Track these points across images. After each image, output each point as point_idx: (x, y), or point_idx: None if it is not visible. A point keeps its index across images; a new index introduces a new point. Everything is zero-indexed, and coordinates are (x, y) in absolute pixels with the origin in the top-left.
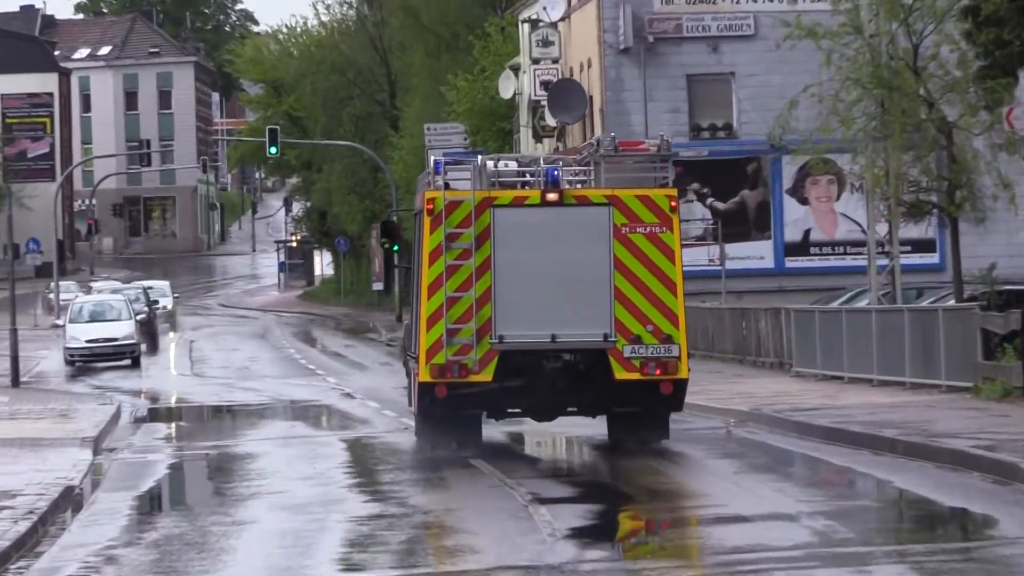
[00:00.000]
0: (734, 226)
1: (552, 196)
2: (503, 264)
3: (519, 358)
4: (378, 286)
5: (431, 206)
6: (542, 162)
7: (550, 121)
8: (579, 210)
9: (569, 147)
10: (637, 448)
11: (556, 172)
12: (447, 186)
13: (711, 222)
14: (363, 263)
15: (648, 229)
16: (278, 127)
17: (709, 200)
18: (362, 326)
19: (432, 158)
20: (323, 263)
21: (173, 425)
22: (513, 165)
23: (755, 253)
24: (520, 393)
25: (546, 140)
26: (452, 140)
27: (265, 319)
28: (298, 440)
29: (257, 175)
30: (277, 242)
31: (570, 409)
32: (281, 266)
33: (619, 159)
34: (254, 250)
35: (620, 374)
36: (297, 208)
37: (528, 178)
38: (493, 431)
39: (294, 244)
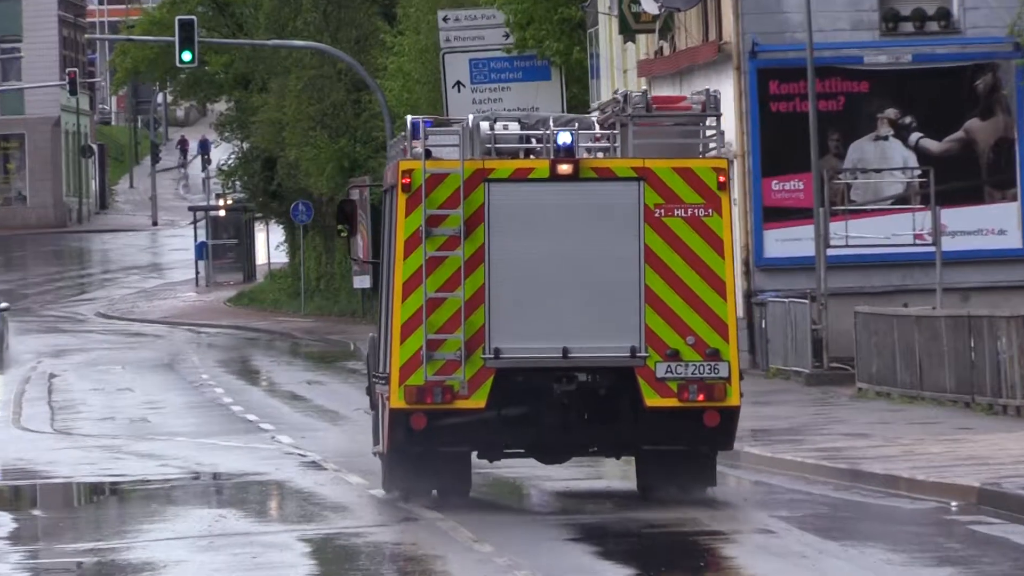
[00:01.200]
0: (956, 179)
1: (565, 168)
2: (500, 256)
3: (521, 379)
4: (362, 282)
5: (407, 180)
6: (552, 123)
7: (649, 6)
8: (600, 186)
9: (678, 49)
10: (800, 546)
11: (571, 137)
12: (428, 154)
13: (918, 173)
14: (337, 245)
15: (690, 212)
16: (195, 18)
17: (914, 137)
18: (335, 349)
19: (409, 118)
20: (271, 245)
21: (21, 517)
22: (515, 127)
23: (990, 223)
24: (522, 425)
25: (642, 37)
26: (485, 37)
27: (174, 338)
28: (230, 541)
29: (160, 100)
30: (194, 210)
31: (586, 448)
32: (201, 250)
33: (653, 120)
34: (155, 223)
35: (652, 400)
36: (227, 155)
37: (534, 144)
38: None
39: (222, 213)
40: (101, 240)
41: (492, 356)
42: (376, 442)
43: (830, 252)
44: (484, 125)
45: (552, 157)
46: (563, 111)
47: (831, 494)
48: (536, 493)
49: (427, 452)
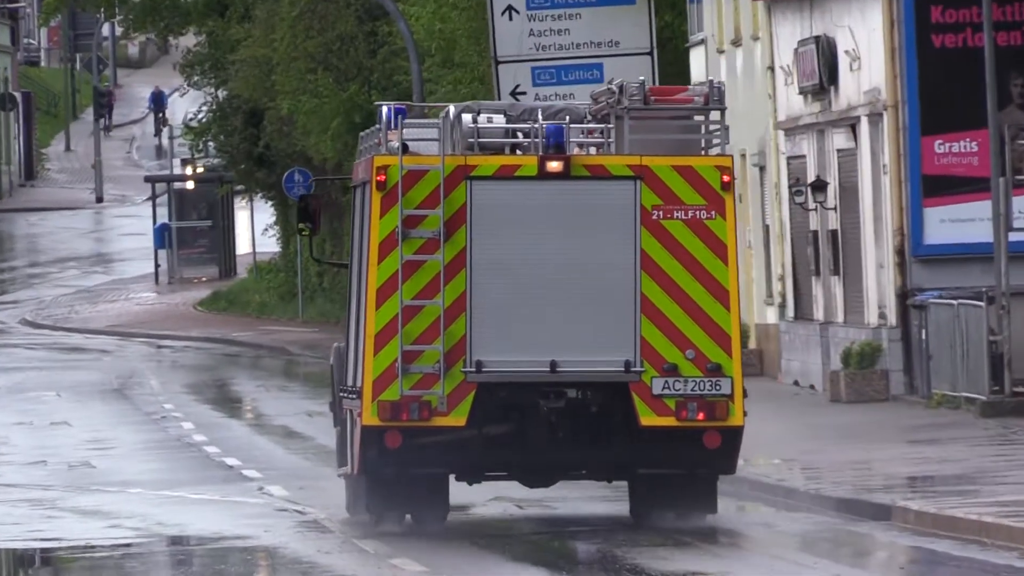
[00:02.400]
0: None
1: (554, 165)
2: (484, 261)
3: (504, 395)
4: None
5: (382, 177)
6: (541, 116)
7: None
8: (592, 185)
9: None
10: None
11: (561, 131)
12: (405, 148)
13: None
14: (346, 229)
15: (690, 214)
16: None
17: None
18: None
19: (384, 106)
20: (256, 229)
21: None
22: (500, 120)
23: None
24: (505, 445)
25: None
26: None
27: (127, 354)
28: None
29: (106, 32)
30: (152, 181)
31: (575, 471)
32: (162, 235)
33: (651, 113)
34: (100, 199)
35: (647, 419)
36: (196, 106)
37: (521, 139)
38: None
39: (190, 186)
40: (26, 221)
41: (473, 370)
42: (341, 463)
43: (1013, 237)
44: (467, 118)
45: (541, 153)
46: (652, 47)
47: (1017, 564)
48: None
49: (401, 474)
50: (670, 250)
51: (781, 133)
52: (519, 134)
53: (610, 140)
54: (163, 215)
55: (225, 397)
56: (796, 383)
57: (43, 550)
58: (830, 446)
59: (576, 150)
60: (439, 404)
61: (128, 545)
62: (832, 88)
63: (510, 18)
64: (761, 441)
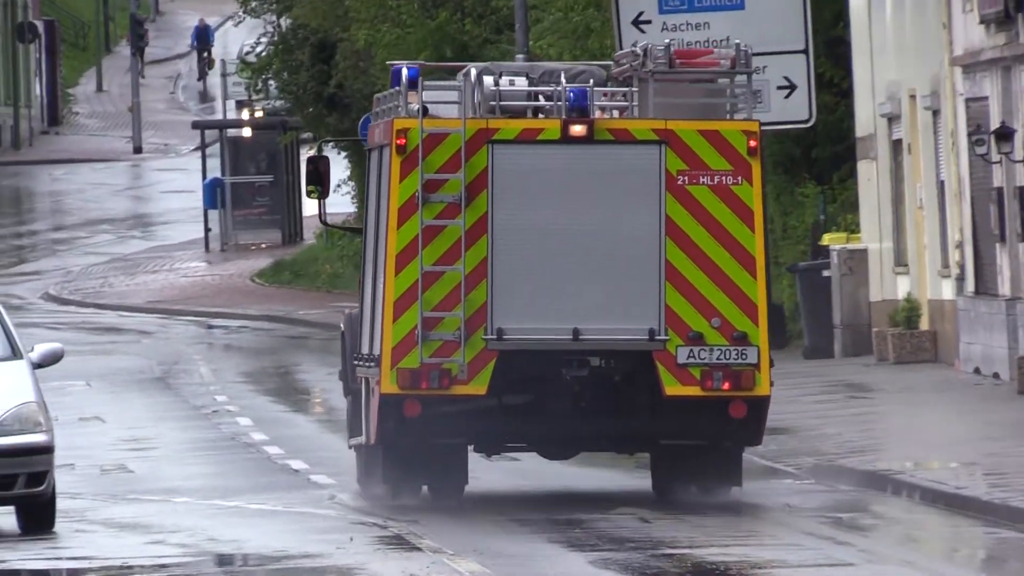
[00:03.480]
0: None
1: (578, 129)
2: (505, 226)
3: (526, 363)
4: None
5: (402, 140)
6: (564, 79)
7: None
8: (616, 150)
9: None
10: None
11: (585, 94)
12: (425, 111)
13: None
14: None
15: (716, 179)
16: None
17: None
18: None
19: (401, 67)
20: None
21: None
22: (522, 82)
23: None
24: (526, 415)
25: None
26: None
27: (171, 336)
28: None
29: None
30: (201, 128)
31: (597, 442)
32: (213, 193)
33: (676, 76)
34: (139, 149)
35: (672, 388)
36: (255, 38)
37: (543, 102)
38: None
39: (247, 133)
40: (50, 176)
41: (494, 337)
42: (354, 433)
43: None
44: (488, 80)
45: (564, 116)
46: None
47: None
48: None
49: (419, 444)
50: (695, 216)
51: (958, 70)
52: (541, 97)
53: (634, 104)
54: (214, 168)
55: (289, 387)
56: (977, 371)
57: (71, 571)
58: (1018, 447)
59: (599, 113)
60: (459, 372)
61: (173, 565)
62: (1020, 16)
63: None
64: (935, 441)
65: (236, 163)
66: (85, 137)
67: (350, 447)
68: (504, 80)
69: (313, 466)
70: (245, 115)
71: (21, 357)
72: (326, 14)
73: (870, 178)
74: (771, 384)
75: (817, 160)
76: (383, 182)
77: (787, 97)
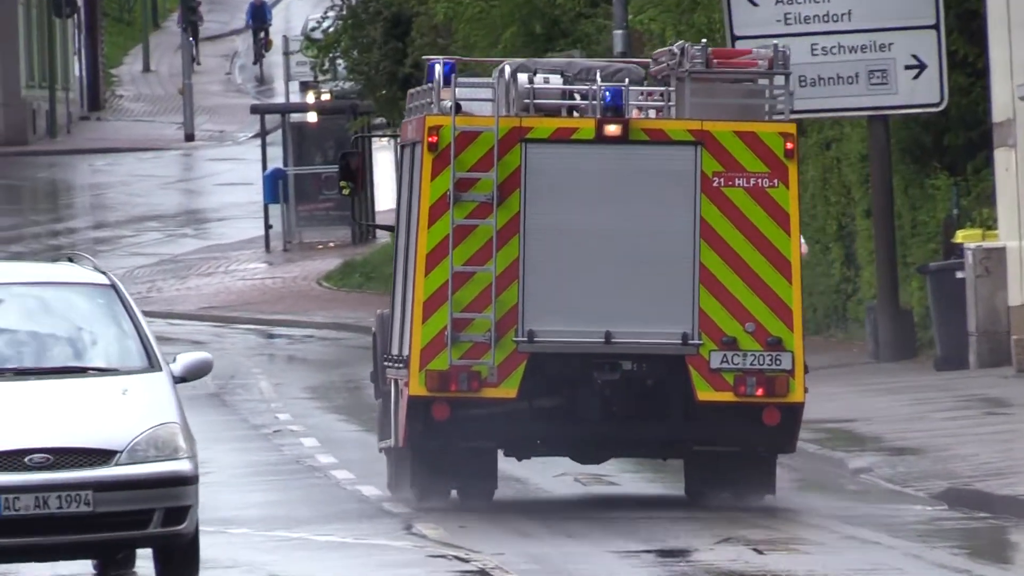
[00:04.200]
0: None
1: (613, 129)
2: (538, 227)
3: (557, 366)
4: None
5: (434, 138)
6: (599, 78)
7: None
8: (651, 150)
9: None
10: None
11: (620, 93)
12: (458, 108)
13: None
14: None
15: (752, 182)
16: None
17: None
18: None
19: (432, 64)
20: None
21: None
22: (557, 81)
23: None
24: (557, 419)
25: None
26: None
27: (227, 346)
28: None
29: None
30: (259, 112)
31: (629, 447)
32: (274, 186)
33: (713, 77)
34: (191, 137)
35: (705, 394)
36: (320, 12)
37: (578, 101)
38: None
39: (312, 119)
40: (90, 167)
41: (525, 339)
42: (383, 436)
43: None
44: (522, 77)
45: (598, 116)
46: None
47: None
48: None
49: (448, 447)
50: (731, 219)
51: None
52: (576, 95)
53: (670, 104)
54: (276, 158)
55: (360, 404)
56: None
57: None
58: None
59: (635, 113)
60: (489, 375)
61: None
62: None
63: None
64: None
65: (300, 152)
66: (130, 123)
67: (380, 450)
68: (539, 78)
69: (386, 492)
70: (310, 98)
71: (160, 369)
72: None
73: (1009, 168)
74: (805, 390)
75: (949, 148)
76: (415, 180)
77: (915, 78)
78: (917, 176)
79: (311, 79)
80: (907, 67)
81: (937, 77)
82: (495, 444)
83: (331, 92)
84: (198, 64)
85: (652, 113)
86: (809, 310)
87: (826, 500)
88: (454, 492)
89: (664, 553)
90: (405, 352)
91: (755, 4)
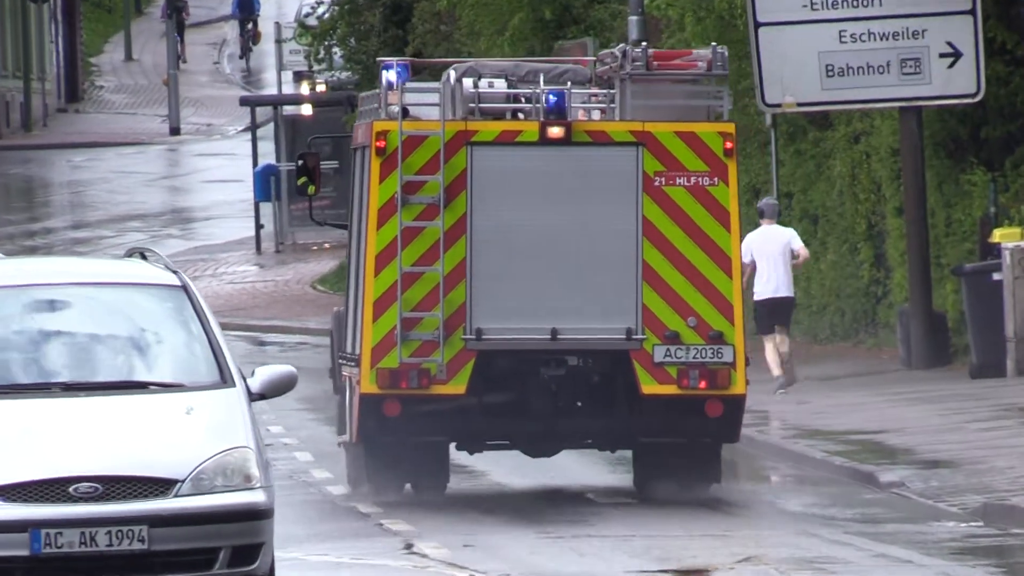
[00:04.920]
0: None
1: (556, 131)
2: (484, 228)
3: (505, 363)
4: None
5: (382, 143)
6: (543, 82)
7: None
8: (594, 152)
9: None
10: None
11: (563, 96)
12: (406, 113)
13: None
14: None
15: (693, 180)
16: None
17: None
18: None
19: (387, 65)
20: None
21: None
22: (502, 85)
23: None
24: (506, 414)
25: None
26: None
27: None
28: None
29: None
30: (249, 104)
31: (577, 440)
32: (265, 183)
33: (653, 79)
34: (176, 131)
35: (649, 387)
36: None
37: (523, 104)
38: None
39: (307, 111)
40: (68, 163)
41: (473, 337)
42: (341, 431)
43: None
44: (467, 82)
45: (542, 119)
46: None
47: None
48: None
49: (400, 442)
50: (672, 217)
51: None
52: (521, 99)
53: (612, 105)
54: (267, 154)
55: None
56: None
57: None
58: None
59: (580, 114)
60: (438, 372)
61: None
62: None
63: None
64: None
65: (294, 147)
66: (111, 116)
67: (338, 445)
68: (483, 83)
69: (385, 509)
70: (304, 89)
71: (233, 385)
72: None
73: None
74: (747, 383)
75: (986, 142)
76: (364, 183)
77: (950, 67)
78: (952, 172)
79: (305, 69)
80: (941, 55)
81: (973, 66)
82: (446, 438)
83: (327, 83)
84: (183, 61)
85: (596, 114)
86: (837, 314)
87: (854, 516)
88: (408, 485)
89: (681, 573)
90: (357, 350)
91: None
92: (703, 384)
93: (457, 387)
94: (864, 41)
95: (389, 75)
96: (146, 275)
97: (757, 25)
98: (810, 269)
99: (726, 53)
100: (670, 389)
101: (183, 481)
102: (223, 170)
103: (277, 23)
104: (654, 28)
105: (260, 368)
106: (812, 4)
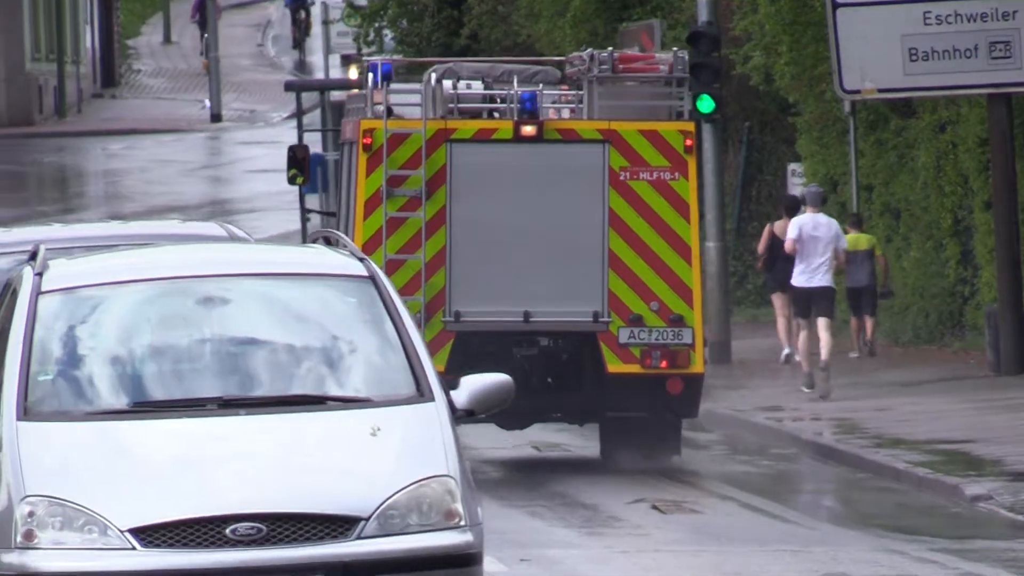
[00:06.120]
0: None
1: (528, 129)
2: (462, 218)
3: (481, 343)
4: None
5: (368, 140)
6: (516, 83)
7: None
8: (564, 148)
9: None
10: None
11: (535, 97)
12: (390, 112)
13: None
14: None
15: (655, 175)
16: None
17: None
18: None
19: (372, 65)
20: (311, 171)
21: None
22: (478, 86)
23: None
24: None
25: None
26: None
27: None
28: None
29: None
30: (294, 89)
31: (548, 414)
32: (312, 172)
33: (618, 81)
34: (218, 117)
35: (614, 366)
36: None
37: (498, 104)
38: None
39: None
40: (104, 151)
41: (452, 319)
42: None
43: None
44: (447, 84)
45: (516, 118)
46: None
47: None
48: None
49: None
50: (636, 209)
51: None
52: (496, 99)
53: (581, 105)
54: (314, 142)
55: None
56: None
57: None
58: None
59: (551, 113)
60: None
61: None
62: None
63: None
64: None
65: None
66: (149, 101)
67: None
68: (462, 84)
69: None
70: (353, 74)
71: (432, 399)
72: None
73: None
74: (705, 362)
75: None
76: (352, 176)
77: None
78: None
79: (354, 52)
80: None
81: None
82: None
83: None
84: (221, 25)
85: (566, 113)
86: (921, 315)
87: (939, 532)
88: None
89: None
90: None
91: None
92: (664, 363)
93: (437, 365)
94: (950, 23)
95: (371, 75)
96: (328, 264)
97: (835, 6)
98: (892, 267)
99: (686, 57)
100: (634, 368)
101: (368, 519)
102: (267, 159)
103: (324, 3)
104: (725, 8)
105: (467, 377)
106: None
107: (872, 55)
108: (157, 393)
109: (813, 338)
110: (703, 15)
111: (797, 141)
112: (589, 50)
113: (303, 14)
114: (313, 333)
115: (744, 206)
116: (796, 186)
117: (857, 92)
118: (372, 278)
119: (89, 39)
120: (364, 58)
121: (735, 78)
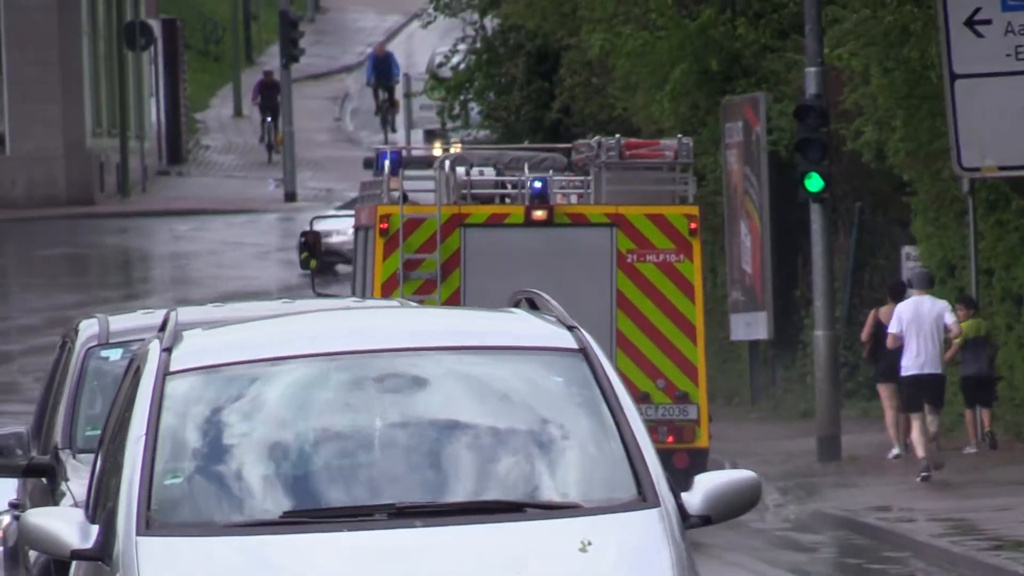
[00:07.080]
0: None
1: (539, 214)
2: (476, 300)
3: None
4: (752, 330)
5: (385, 225)
6: (527, 170)
7: None
8: (573, 232)
9: None
10: None
11: (544, 183)
12: (406, 198)
13: None
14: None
15: (661, 257)
16: None
17: None
18: None
19: (383, 154)
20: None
21: None
22: (490, 172)
23: None
24: None
25: None
26: None
27: None
28: None
29: None
30: (372, 165)
31: None
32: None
33: (625, 167)
34: (291, 196)
35: None
36: (447, 46)
37: (509, 189)
38: None
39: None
40: (171, 232)
41: None
42: None
43: None
44: (460, 170)
45: (527, 203)
46: None
47: None
48: None
49: None
50: (643, 290)
51: None
52: (507, 185)
53: (589, 191)
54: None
55: None
56: None
57: None
58: None
59: (559, 198)
60: None
61: None
62: None
63: None
64: None
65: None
66: (219, 179)
67: None
68: (475, 171)
69: None
70: (437, 150)
71: (657, 503)
72: (547, 13)
73: None
74: (710, 437)
75: None
76: (368, 260)
77: None
78: None
79: (437, 126)
80: None
81: None
82: None
83: (462, 142)
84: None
85: (574, 198)
86: None
87: None
88: None
89: None
90: None
91: (980, 36)
92: (671, 439)
93: None
94: None
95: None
96: (531, 334)
97: (953, 77)
98: (1012, 357)
99: (691, 144)
100: None
101: None
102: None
103: (406, 74)
104: (834, 81)
105: (701, 476)
106: (1017, 53)
107: (993, 130)
108: (314, 500)
109: (924, 427)
110: (811, 87)
111: (912, 222)
112: (597, 137)
113: (387, 94)
114: (509, 422)
115: (855, 292)
116: (910, 271)
117: (977, 170)
118: (584, 351)
119: (154, 113)
120: (448, 132)
121: (845, 155)
